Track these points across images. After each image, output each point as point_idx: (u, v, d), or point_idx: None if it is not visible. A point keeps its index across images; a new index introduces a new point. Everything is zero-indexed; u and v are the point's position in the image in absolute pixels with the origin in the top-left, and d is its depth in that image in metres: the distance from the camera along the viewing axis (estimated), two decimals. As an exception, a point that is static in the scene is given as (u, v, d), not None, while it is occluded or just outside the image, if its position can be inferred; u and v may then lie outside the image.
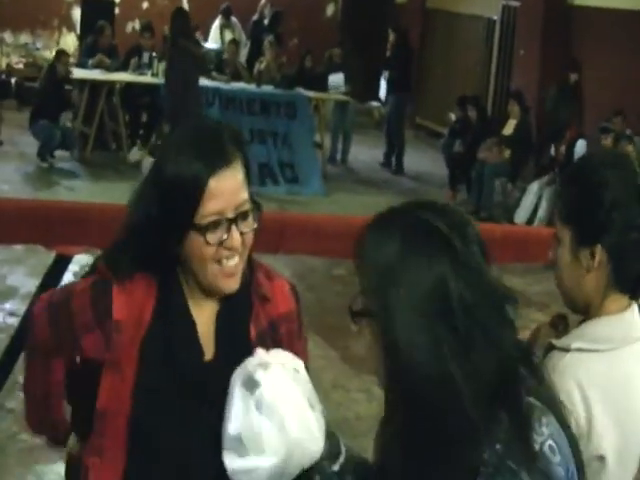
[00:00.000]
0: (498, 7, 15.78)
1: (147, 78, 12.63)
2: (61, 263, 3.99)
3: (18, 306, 7.07)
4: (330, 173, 13.24)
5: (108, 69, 12.82)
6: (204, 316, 2.15)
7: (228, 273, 2.06)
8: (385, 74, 14.88)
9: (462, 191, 12.66)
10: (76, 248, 3.97)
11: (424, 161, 15.05)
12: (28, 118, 12.12)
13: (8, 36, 16.53)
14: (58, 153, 12.14)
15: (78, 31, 15.68)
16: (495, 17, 15.91)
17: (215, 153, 2.01)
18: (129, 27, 16.99)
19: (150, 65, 12.73)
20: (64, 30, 16.89)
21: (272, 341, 2.17)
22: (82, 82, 12.66)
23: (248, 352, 2.04)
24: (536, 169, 12.11)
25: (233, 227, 2.02)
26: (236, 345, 2.13)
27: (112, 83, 12.79)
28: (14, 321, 6.74)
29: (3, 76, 14.72)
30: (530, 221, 11.19)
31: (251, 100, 12.52)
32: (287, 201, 11.35)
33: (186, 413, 2.11)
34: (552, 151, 11.61)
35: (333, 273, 8.58)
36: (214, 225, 2.00)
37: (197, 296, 2.13)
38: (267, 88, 12.95)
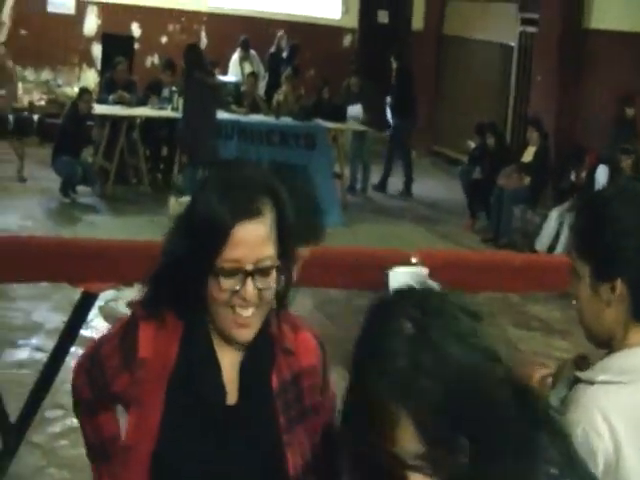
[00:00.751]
0: (515, 33, 15.84)
1: (167, 112, 12.73)
2: (87, 300, 4.02)
3: (44, 342, 7.11)
4: (350, 203, 13.27)
5: (129, 105, 12.92)
6: (228, 362, 2.17)
7: (241, 323, 2.07)
8: (388, 100, 14.96)
9: (481, 218, 12.66)
10: (101, 285, 4.00)
11: (441, 189, 15.07)
12: (50, 154, 12.22)
13: (30, 73, 16.68)
14: (80, 188, 12.23)
15: (99, 67, 15.80)
16: (512, 43, 15.96)
17: (244, 201, 2.02)
18: (148, 62, 17.12)
19: (170, 100, 12.84)
20: (84, 66, 17.03)
21: (294, 394, 2.20)
22: (103, 118, 12.77)
23: (270, 401, 2.11)
24: (556, 195, 12.09)
25: (248, 280, 2.02)
26: (258, 393, 2.16)
27: (132, 118, 12.90)
28: (41, 356, 6.78)
29: (25, 113, 14.83)
30: (552, 248, 11.15)
31: (270, 132, 12.60)
32: (308, 232, 11.36)
33: (208, 452, 2.13)
34: (572, 176, 11.59)
35: (354, 303, 8.59)
36: (230, 272, 2.01)
37: (221, 341, 2.15)
38: (286, 120, 13.02)
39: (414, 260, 3.76)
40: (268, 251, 2.04)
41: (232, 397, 2.16)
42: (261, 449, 2.16)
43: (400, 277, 3.61)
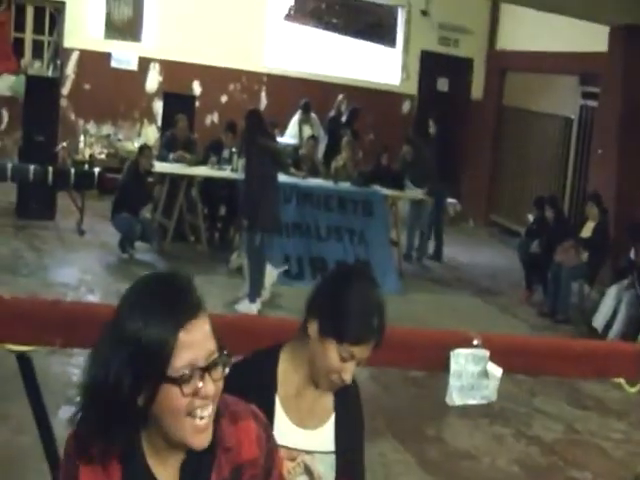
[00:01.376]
0: (576, 106, 15.84)
1: (226, 173, 12.81)
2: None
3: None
4: (406, 271, 13.22)
5: (189, 164, 13.04)
6: (168, 472, 2.11)
7: (201, 428, 2.01)
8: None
9: (538, 291, 12.55)
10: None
11: (498, 259, 15.01)
12: (109, 207, 12.32)
13: (91, 127, 16.91)
14: (138, 244, 12.29)
15: (159, 123, 15.98)
16: (572, 116, 15.94)
17: (182, 306, 1.99)
18: (208, 120, 17.29)
19: (230, 160, 12.94)
20: (145, 122, 17.23)
21: None
22: (162, 175, 12.89)
23: None
24: (614, 272, 11.94)
25: (207, 376, 2.00)
26: None
27: (192, 177, 13.00)
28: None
29: (86, 166, 15.02)
30: (609, 326, 11.01)
31: (328, 197, 12.61)
32: (363, 299, 11.32)
33: None
34: (632, 254, 11.45)
35: (408, 375, 8.52)
36: (189, 376, 1.97)
37: (162, 452, 2.09)
38: (344, 185, 13.03)
39: (476, 342, 3.73)
40: (213, 344, 2.03)
41: None
42: None
43: (461, 358, 3.60)
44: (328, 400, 2.89)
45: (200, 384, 1.99)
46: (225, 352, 2.06)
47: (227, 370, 2.06)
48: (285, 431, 2.77)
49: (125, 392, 1.96)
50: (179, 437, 2.02)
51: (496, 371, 3.75)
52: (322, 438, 2.87)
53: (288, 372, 2.83)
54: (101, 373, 1.98)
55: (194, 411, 1.99)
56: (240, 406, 2.25)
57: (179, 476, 2.11)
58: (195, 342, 1.98)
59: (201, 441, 2.04)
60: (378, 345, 2.74)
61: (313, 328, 2.74)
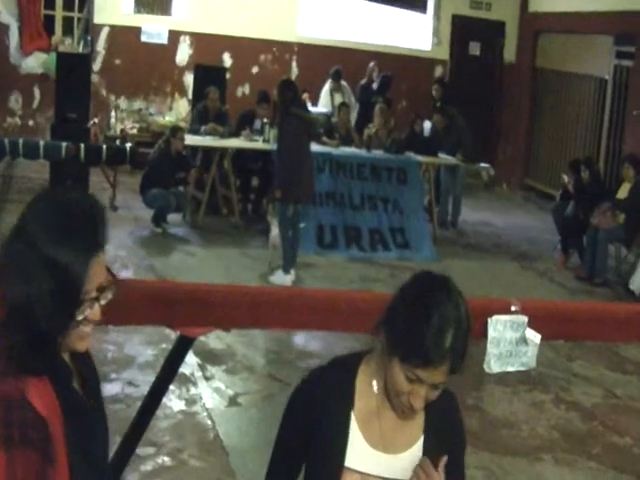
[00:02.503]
0: (610, 66, 15.63)
1: (259, 144, 12.77)
2: (184, 343, 4.01)
3: (136, 376, 7.16)
4: (440, 237, 13.15)
5: (221, 136, 13.01)
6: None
7: (84, 337, 2.17)
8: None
9: (575, 255, 12.44)
10: (199, 329, 3.99)
11: (534, 223, 14.91)
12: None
13: (122, 102, 16.92)
14: (171, 218, 12.32)
15: (190, 96, 15.96)
16: (607, 77, 15.74)
17: (101, 235, 2.14)
18: (239, 92, 17.24)
19: (262, 131, 12.90)
20: (176, 95, 17.22)
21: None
22: (194, 148, 12.87)
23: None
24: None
25: (96, 304, 2.13)
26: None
27: (224, 149, 12.98)
28: (132, 390, 6.83)
29: (118, 141, 15.05)
30: (647, 288, 10.93)
31: (361, 165, 12.55)
32: (398, 267, 11.31)
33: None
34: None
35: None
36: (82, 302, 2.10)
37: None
38: (377, 153, 12.97)
39: (514, 308, 3.69)
40: (107, 276, 2.18)
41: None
42: None
43: (499, 325, 3.56)
44: (417, 420, 2.53)
45: (89, 311, 2.11)
46: (113, 283, 2.19)
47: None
48: (360, 453, 2.49)
49: (45, 313, 2.05)
50: (69, 346, 2.18)
51: (535, 337, 3.70)
52: (405, 464, 2.50)
53: (368, 386, 2.52)
54: (21, 293, 2.05)
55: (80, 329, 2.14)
56: None
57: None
58: (99, 272, 2.12)
59: (83, 346, 2.20)
60: (455, 370, 2.35)
61: (381, 340, 2.42)
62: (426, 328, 2.30)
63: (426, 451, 2.50)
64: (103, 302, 2.15)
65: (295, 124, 10.11)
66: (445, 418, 2.58)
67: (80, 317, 2.10)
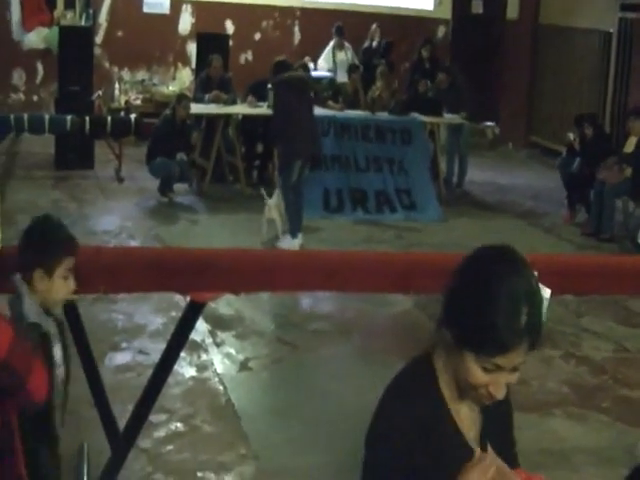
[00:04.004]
0: (614, 20, 15.53)
1: (263, 110, 12.72)
2: (195, 309, 4.04)
3: (146, 344, 7.20)
4: (446, 197, 13.14)
5: (225, 103, 12.99)
6: None
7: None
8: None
9: (581, 211, 12.43)
10: (209, 294, 4.02)
11: (540, 180, 14.88)
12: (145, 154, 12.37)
13: (126, 73, 16.89)
14: (177, 187, 12.34)
15: (193, 65, 15.92)
16: (611, 30, 15.65)
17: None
18: (242, 59, 17.20)
19: (266, 97, 12.86)
20: (179, 65, 17.18)
21: None
22: (198, 117, 12.85)
23: None
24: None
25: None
26: None
27: (228, 116, 12.96)
28: (144, 359, 6.87)
29: (122, 113, 15.03)
30: (655, 241, 10.91)
31: (366, 127, 12.53)
32: (405, 228, 11.33)
33: None
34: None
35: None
36: None
37: None
38: (382, 115, 12.94)
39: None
40: None
41: None
42: None
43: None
44: (477, 412, 2.38)
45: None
46: None
47: None
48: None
49: None
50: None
51: (545, 292, 3.71)
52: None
53: (448, 385, 2.31)
54: None
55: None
56: None
57: None
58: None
59: None
60: (534, 347, 2.16)
61: (448, 335, 2.22)
62: (494, 311, 2.09)
63: (485, 428, 2.37)
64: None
65: (284, 87, 10.15)
66: (499, 409, 2.40)
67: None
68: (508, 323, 2.08)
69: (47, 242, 3.61)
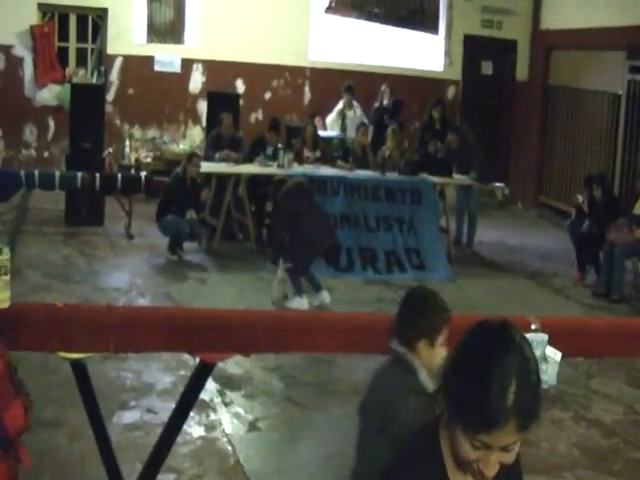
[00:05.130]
0: (623, 82, 15.61)
1: (272, 169, 12.76)
2: (204, 370, 4.03)
3: (155, 403, 7.17)
4: (456, 257, 13.14)
5: (235, 162, 13.06)
6: None
7: None
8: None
9: (591, 272, 12.40)
10: (218, 355, 4.01)
11: (550, 240, 14.88)
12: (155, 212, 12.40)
13: (136, 131, 17.00)
14: (186, 245, 12.35)
15: (204, 124, 16.02)
16: (620, 92, 15.73)
17: None
18: (253, 118, 17.31)
19: (275, 157, 12.94)
20: (190, 123, 17.29)
21: None
22: (209, 175, 12.90)
23: None
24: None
25: None
26: None
27: (238, 175, 13.02)
28: (151, 418, 6.84)
29: (132, 170, 15.12)
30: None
31: (376, 187, 12.58)
32: (415, 288, 11.29)
33: None
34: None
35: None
36: None
37: None
38: (391, 175, 12.98)
39: (534, 326, 3.70)
40: None
41: None
42: None
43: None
44: None
45: None
46: None
47: None
48: None
49: None
50: None
51: (555, 355, 3.70)
52: None
53: (451, 455, 2.26)
54: None
55: None
56: None
57: None
58: None
59: None
60: (525, 427, 2.09)
61: (442, 407, 2.22)
62: (480, 389, 2.05)
63: None
64: None
65: (289, 197, 10.47)
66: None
67: None
68: (493, 401, 2.03)
69: (431, 314, 3.83)
